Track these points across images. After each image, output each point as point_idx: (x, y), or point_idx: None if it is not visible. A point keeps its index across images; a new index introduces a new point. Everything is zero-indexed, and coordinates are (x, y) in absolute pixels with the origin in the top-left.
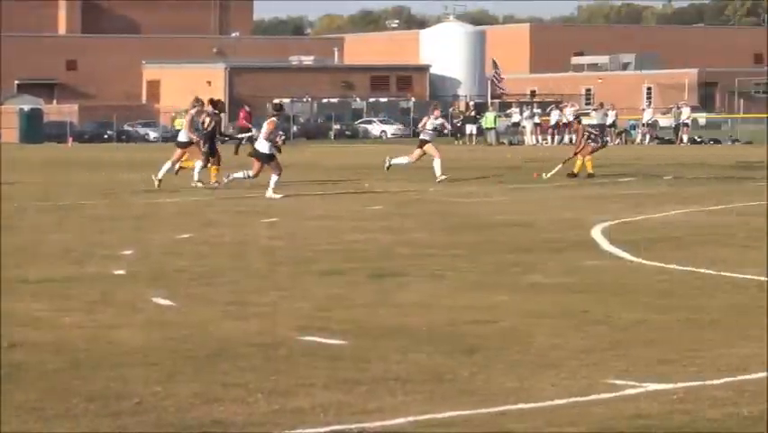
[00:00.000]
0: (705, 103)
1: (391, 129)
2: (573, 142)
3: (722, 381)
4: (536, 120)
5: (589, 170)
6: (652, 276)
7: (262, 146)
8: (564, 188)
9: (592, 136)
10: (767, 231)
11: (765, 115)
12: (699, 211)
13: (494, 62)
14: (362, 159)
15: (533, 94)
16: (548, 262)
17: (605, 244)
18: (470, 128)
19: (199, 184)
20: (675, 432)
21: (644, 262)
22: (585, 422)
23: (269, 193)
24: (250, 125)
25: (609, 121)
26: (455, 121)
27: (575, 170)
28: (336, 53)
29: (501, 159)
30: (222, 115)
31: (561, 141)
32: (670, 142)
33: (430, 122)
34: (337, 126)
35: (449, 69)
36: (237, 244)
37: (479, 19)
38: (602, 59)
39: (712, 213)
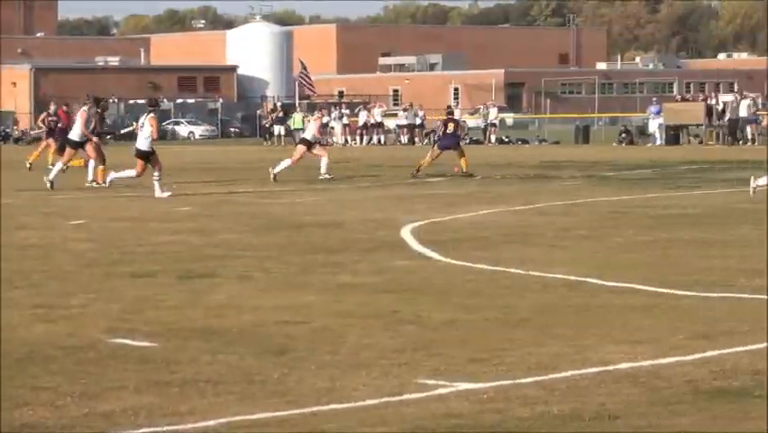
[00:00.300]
0: (512, 103)
1: (199, 130)
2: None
3: (532, 379)
4: (345, 121)
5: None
6: (461, 276)
7: (142, 144)
8: (374, 189)
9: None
10: None
11: (572, 115)
12: (507, 211)
13: (301, 63)
14: (171, 160)
15: (341, 95)
16: (358, 262)
17: (414, 244)
18: (279, 129)
19: (94, 184)
20: (486, 431)
21: (453, 261)
22: (397, 422)
23: (158, 193)
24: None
25: (418, 122)
26: (264, 122)
27: (465, 168)
28: (143, 54)
29: (310, 159)
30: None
31: (369, 141)
32: (478, 142)
33: (313, 123)
34: None
35: (256, 69)
36: (44, 247)
37: (285, 19)
38: (409, 60)
39: (520, 213)
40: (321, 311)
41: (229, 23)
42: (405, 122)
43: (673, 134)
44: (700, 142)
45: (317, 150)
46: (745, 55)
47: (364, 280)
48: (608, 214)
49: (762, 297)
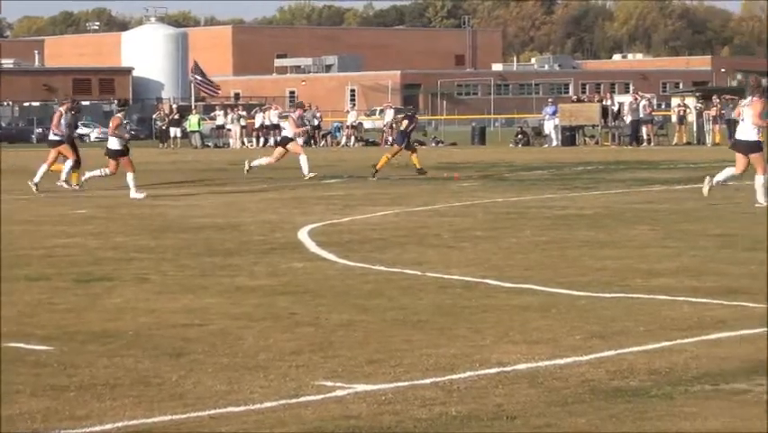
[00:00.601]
0: (408, 105)
1: (95, 132)
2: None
3: (430, 380)
4: (242, 123)
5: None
6: (359, 277)
7: (112, 143)
8: (271, 191)
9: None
10: None
11: (468, 117)
12: (404, 212)
13: (196, 64)
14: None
15: (237, 96)
16: (255, 264)
17: (312, 246)
18: (175, 131)
19: (64, 184)
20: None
21: (350, 263)
22: (295, 424)
23: (133, 194)
24: None
25: (315, 123)
26: (160, 124)
27: (418, 166)
28: (37, 56)
29: (207, 161)
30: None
31: (266, 143)
32: (374, 144)
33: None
34: (39, 130)
35: (152, 71)
36: None
37: (180, 21)
38: (305, 62)
39: (417, 214)
40: (218, 313)
41: (124, 25)
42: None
43: (569, 135)
44: (596, 143)
45: (293, 147)
46: (639, 56)
47: (261, 283)
48: (505, 215)
49: (658, 297)
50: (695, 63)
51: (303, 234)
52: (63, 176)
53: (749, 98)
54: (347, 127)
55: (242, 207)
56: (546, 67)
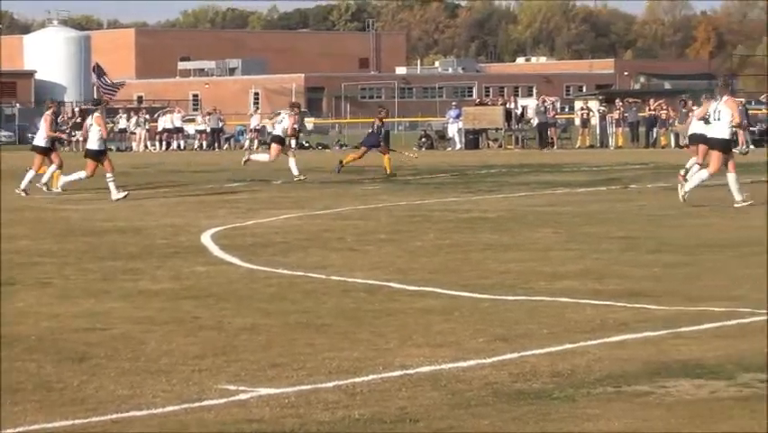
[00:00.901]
0: (312, 108)
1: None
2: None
3: (333, 384)
4: (147, 126)
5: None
6: (262, 281)
7: (93, 144)
8: (174, 194)
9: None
10: None
11: (372, 120)
12: (307, 215)
13: (98, 67)
14: None
15: (140, 99)
16: (158, 268)
17: (215, 250)
18: (77, 134)
19: (45, 188)
20: None
21: (254, 267)
22: (198, 428)
23: (114, 195)
24: None
25: (220, 125)
26: (63, 128)
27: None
28: None
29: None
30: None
31: (169, 146)
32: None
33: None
34: None
35: (54, 74)
36: None
37: (83, 24)
38: (209, 65)
39: (321, 217)
40: (121, 318)
41: (26, 28)
42: (203, 127)
43: (473, 139)
44: (500, 146)
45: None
46: (543, 59)
47: (164, 287)
48: (409, 218)
49: (561, 299)
50: (598, 66)
51: (206, 238)
52: (45, 178)
53: (722, 98)
54: (250, 131)
55: (145, 210)
56: (450, 70)
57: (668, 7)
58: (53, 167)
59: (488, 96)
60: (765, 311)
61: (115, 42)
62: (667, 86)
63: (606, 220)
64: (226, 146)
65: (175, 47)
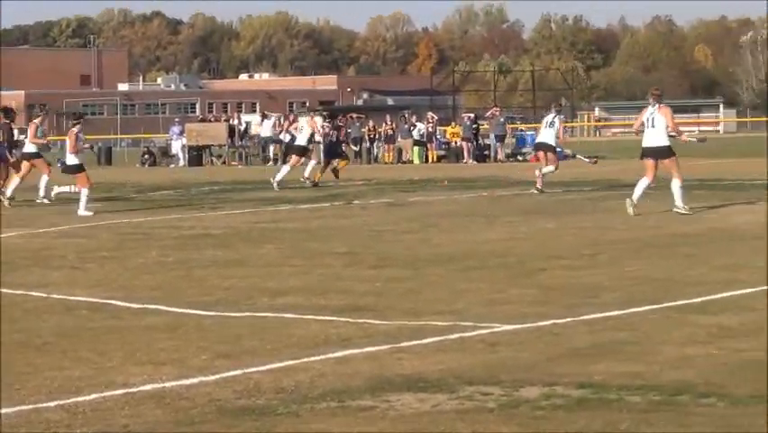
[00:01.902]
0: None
1: None
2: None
3: (54, 403)
4: None
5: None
6: None
7: (71, 159)
8: None
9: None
10: None
11: (95, 137)
12: (29, 234)
13: None
14: None
15: None
16: None
17: None
18: None
19: (45, 200)
20: None
21: None
22: None
23: (81, 211)
24: None
25: None
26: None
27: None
28: None
29: None
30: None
31: None
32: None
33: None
34: None
35: None
36: None
37: None
38: None
39: (42, 235)
40: None
41: None
42: None
43: (196, 155)
44: (224, 163)
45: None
46: (266, 75)
47: None
48: (131, 235)
49: (286, 315)
50: (321, 82)
51: None
52: (42, 192)
53: (654, 107)
54: None
55: None
56: (173, 86)
57: (390, 24)
58: (45, 178)
59: (211, 112)
60: (485, 324)
61: None
62: (390, 102)
63: (329, 236)
64: None
65: None
